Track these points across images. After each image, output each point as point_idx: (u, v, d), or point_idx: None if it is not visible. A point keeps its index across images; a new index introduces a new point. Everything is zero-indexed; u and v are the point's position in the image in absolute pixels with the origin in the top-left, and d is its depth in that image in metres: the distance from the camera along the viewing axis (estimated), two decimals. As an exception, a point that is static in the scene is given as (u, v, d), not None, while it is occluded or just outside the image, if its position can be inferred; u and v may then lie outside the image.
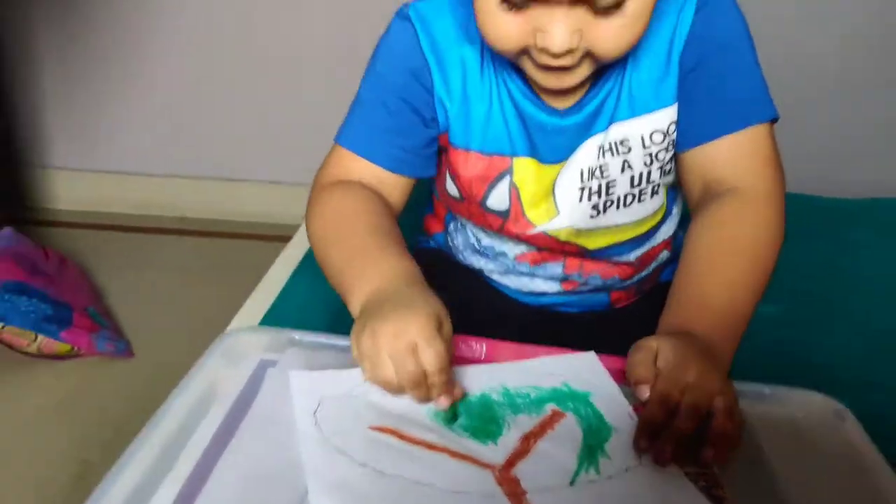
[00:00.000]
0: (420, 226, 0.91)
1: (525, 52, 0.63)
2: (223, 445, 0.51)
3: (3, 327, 1.37)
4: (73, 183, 2.10)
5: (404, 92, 0.72)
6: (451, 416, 0.55)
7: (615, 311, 0.84)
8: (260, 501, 0.47)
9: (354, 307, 0.62)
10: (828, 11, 1.74)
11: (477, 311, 0.79)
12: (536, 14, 0.59)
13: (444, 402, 0.55)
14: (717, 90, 0.70)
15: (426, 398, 0.56)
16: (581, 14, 0.59)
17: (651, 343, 0.59)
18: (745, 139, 0.69)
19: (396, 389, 0.55)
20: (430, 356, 0.54)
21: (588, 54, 0.62)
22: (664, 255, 0.82)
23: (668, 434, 0.52)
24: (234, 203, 2.07)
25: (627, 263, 0.80)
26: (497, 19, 0.61)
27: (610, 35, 0.60)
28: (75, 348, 1.43)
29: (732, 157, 0.70)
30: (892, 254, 1.26)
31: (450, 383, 0.56)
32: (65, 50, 2.00)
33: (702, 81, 0.70)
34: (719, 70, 0.70)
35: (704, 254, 0.68)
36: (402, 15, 0.73)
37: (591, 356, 0.64)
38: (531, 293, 0.82)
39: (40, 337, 1.40)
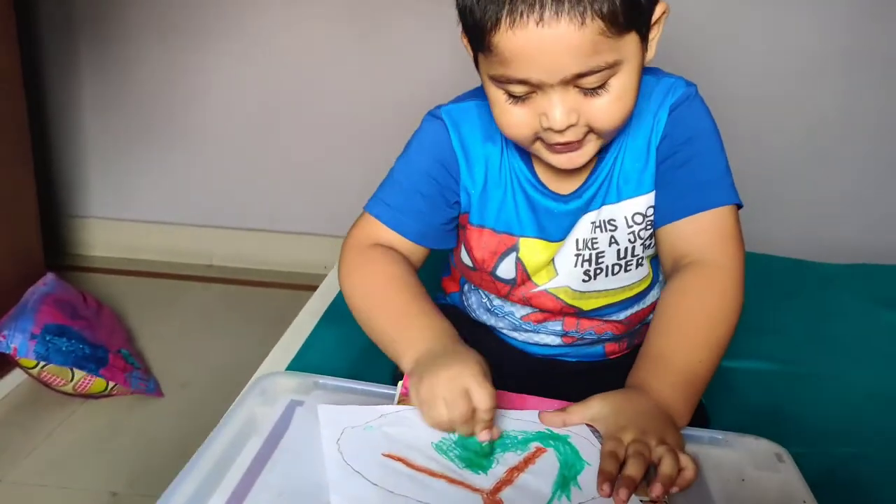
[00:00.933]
0: (438, 284, 1.03)
1: (537, 138, 0.75)
2: (261, 468, 0.63)
3: (43, 366, 1.47)
4: (109, 231, 2.22)
5: (433, 177, 0.85)
6: (488, 451, 0.67)
7: (609, 361, 0.95)
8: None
9: (407, 364, 0.74)
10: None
11: (488, 360, 0.91)
12: (538, 102, 0.72)
13: (485, 437, 0.67)
14: (685, 177, 0.82)
15: (470, 433, 0.68)
16: (574, 96, 0.71)
17: (593, 399, 0.71)
18: (708, 219, 0.81)
19: (447, 428, 0.68)
20: (482, 396, 0.66)
21: (590, 130, 0.74)
22: (651, 316, 0.93)
23: (623, 481, 0.62)
24: (261, 252, 2.17)
25: (619, 322, 0.91)
26: (507, 112, 0.74)
27: (603, 110, 0.72)
28: (110, 385, 1.54)
29: (697, 234, 0.81)
30: (873, 318, 1.34)
31: (493, 419, 0.67)
32: (104, 105, 2.12)
33: (672, 170, 0.82)
34: (687, 160, 0.82)
35: (668, 318, 0.79)
36: (434, 115, 0.87)
37: None
38: (536, 345, 0.94)
39: (77, 375, 1.50)
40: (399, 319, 0.79)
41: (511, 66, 0.69)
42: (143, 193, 2.21)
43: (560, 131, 0.72)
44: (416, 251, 0.87)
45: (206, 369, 1.71)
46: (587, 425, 0.71)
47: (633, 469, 0.63)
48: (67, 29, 2.07)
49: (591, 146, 0.76)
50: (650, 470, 0.65)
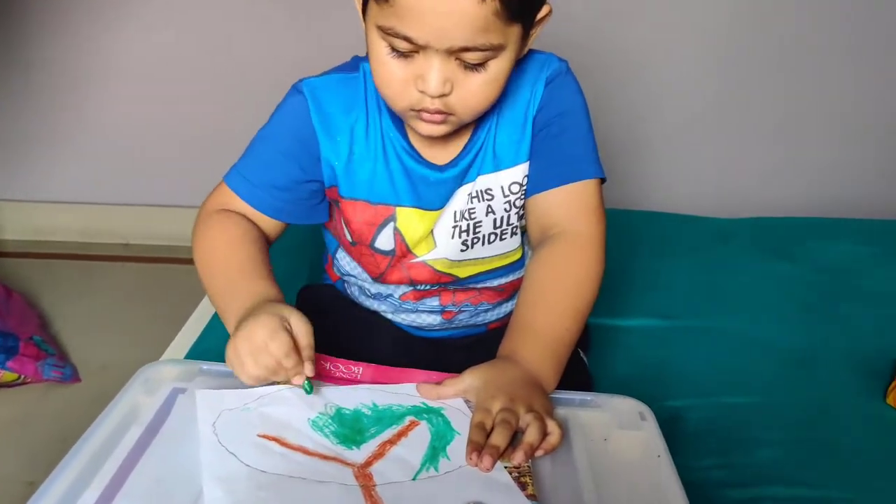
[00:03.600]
0: (323, 268, 1.05)
1: (410, 107, 0.77)
2: (139, 456, 0.65)
3: (-53, 359, 1.45)
4: (15, 213, 2.16)
5: (290, 154, 0.86)
6: (309, 388, 0.71)
7: (491, 333, 0.99)
8: (167, 496, 0.61)
9: (231, 328, 0.77)
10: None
11: (376, 341, 0.95)
12: (418, 63, 0.73)
13: (298, 380, 0.72)
14: (556, 149, 0.86)
15: (287, 380, 0.72)
16: (453, 67, 0.73)
17: (465, 373, 0.75)
18: (575, 191, 0.85)
19: (262, 379, 0.71)
20: (276, 345, 0.69)
21: (451, 114, 0.76)
22: None
23: (487, 449, 0.66)
24: (178, 229, 2.13)
25: (493, 290, 0.94)
26: (386, 65, 0.75)
27: (474, 89, 0.75)
28: (22, 377, 1.52)
29: (564, 204, 0.85)
30: (765, 269, 1.41)
31: (299, 364, 0.70)
32: (4, 83, 2.04)
33: (544, 141, 0.86)
34: (559, 133, 0.86)
35: (535, 289, 0.83)
36: (297, 88, 0.87)
37: None
38: (419, 327, 0.97)
39: (-16, 367, 1.47)
40: (229, 284, 0.81)
41: (404, 22, 0.70)
42: (51, 173, 2.15)
43: (432, 97, 0.74)
44: (271, 223, 0.88)
45: (126, 351, 1.67)
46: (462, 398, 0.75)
47: (497, 437, 0.67)
48: (-41, 6, 1.98)
49: (449, 126, 0.79)
50: (518, 436, 0.69)
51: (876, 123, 1.97)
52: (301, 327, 0.72)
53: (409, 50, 0.73)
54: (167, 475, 0.63)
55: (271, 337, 0.69)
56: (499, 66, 0.74)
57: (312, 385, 0.72)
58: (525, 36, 0.76)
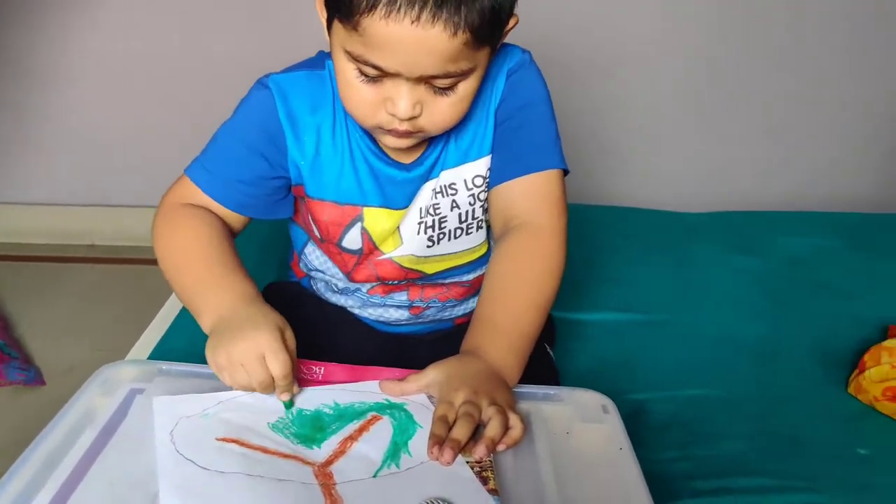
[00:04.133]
0: (287, 265, 1.04)
1: (378, 125, 0.77)
2: (94, 459, 0.63)
3: None
4: (-22, 216, 2.11)
5: (258, 149, 0.84)
6: (290, 404, 0.71)
7: (456, 328, 0.98)
8: (121, 501, 0.59)
9: (205, 325, 0.75)
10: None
11: (342, 338, 0.94)
12: (386, 87, 0.73)
13: (285, 397, 0.71)
14: (518, 141, 0.85)
15: (271, 394, 0.71)
16: (422, 91, 0.73)
17: (429, 368, 0.74)
18: (537, 182, 0.85)
19: (250, 389, 0.70)
20: (278, 366, 0.69)
21: (420, 130, 0.76)
22: None
23: (448, 443, 0.65)
24: (144, 229, 2.11)
25: (460, 285, 0.94)
26: (354, 89, 0.74)
27: (443, 110, 0.75)
28: (-17, 380, 1.50)
29: (525, 195, 0.85)
30: (729, 263, 1.42)
31: (291, 383, 0.71)
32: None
33: (506, 133, 0.86)
34: (521, 125, 0.85)
35: (497, 283, 0.83)
36: (263, 83, 0.85)
37: None
38: (386, 322, 0.96)
39: (-55, 373, 1.45)
40: (199, 280, 0.78)
41: (373, 52, 0.69)
42: (14, 175, 2.11)
43: (401, 120, 0.74)
44: (234, 218, 0.86)
45: (92, 353, 1.67)
46: (426, 394, 0.74)
47: (458, 431, 0.66)
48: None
49: (416, 140, 0.79)
50: (480, 430, 0.69)
51: (839, 119, 2.00)
52: (294, 344, 0.72)
53: (378, 75, 0.72)
54: (121, 479, 0.61)
55: (273, 355, 0.68)
56: (468, 87, 0.75)
57: (292, 402, 0.72)
58: (494, 50, 0.76)
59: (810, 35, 1.91)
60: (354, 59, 0.71)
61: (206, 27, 1.93)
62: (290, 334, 0.72)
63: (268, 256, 1.22)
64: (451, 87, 0.73)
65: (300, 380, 0.75)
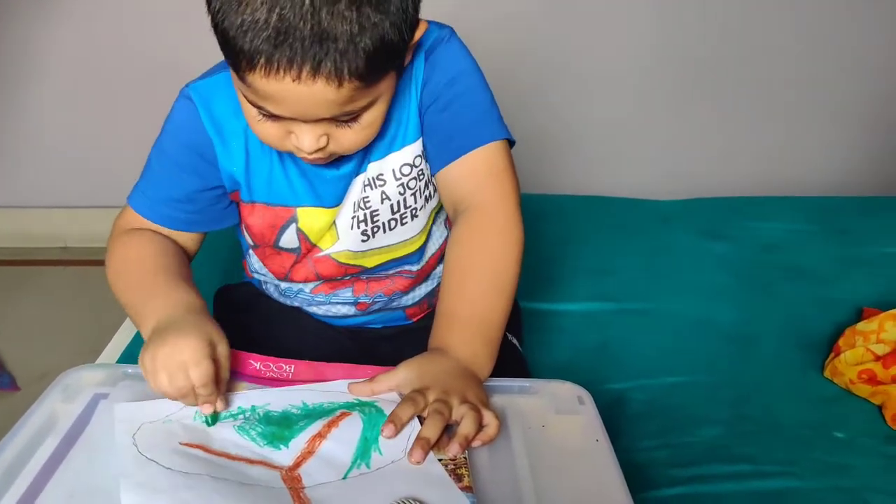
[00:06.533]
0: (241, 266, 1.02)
1: (289, 152, 0.75)
2: (55, 468, 0.62)
3: None
4: (-53, 221, 2.07)
5: (186, 165, 0.82)
6: (211, 421, 0.68)
7: (415, 325, 0.97)
8: (83, 509, 0.58)
9: (145, 335, 0.73)
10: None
11: (298, 336, 0.92)
12: (289, 123, 0.71)
13: (207, 410, 0.68)
14: (450, 120, 0.81)
15: (193, 404, 0.68)
16: (325, 125, 0.71)
17: (398, 367, 0.73)
18: (478, 158, 0.81)
19: (171, 398, 0.68)
20: (197, 374, 0.66)
21: (334, 152, 0.75)
22: (440, 268, 0.94)
23: (418, 442, 0.64)
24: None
25: (405, 276, 0.92)
26: (259, 126, 0.73)
27: (351, 138, 0.73)
28: (-47, 388, 1.47)
29: (468, 175, 0.81)
30: (704, 249, 1.42)
31: (213, 395, 0.67)
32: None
33: (436, 115, 0.82)
34: (450, 103, 0.81)
35: (453, 271, 0.80)
36: (184, 94, 0.82)
37: None
38: (336, 317, 0.95)
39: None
40: (141, 292, 0.77)
41: (266, 103, 0.68)
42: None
43: (308, 153, 0.73)
44: (185, 237, 0.85)
45: (66, 357, 1.63)
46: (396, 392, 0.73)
47: (428, 430, 0.65)
48: None
49: (332, 158, 0.77)
50: (452, 428, 0.67)
51: (811, 102, 2.01)
52: (226, 359, 0.69)
53: (277, 116, 0.70)
54: (84, 488, 0.60)
55: (195, 363, 0.66)
56: (374, 115, 0.72)
57: (217, 417, 0.69)
58: (400, 72, 0.74)
59: (773, 21, 1.91)
60: (250, 102, 0.70)
61: (175, 24, 1.90)
62: (222, 347, 0.69)
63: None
64: (354, 119, 0.72)
65: (270, 379, 0.73)
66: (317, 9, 0.61)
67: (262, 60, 0.63)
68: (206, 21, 0.68)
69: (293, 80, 0.64)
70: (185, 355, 0.66)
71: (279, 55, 0.62)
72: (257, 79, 0.65)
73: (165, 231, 0.84)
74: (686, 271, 1.34)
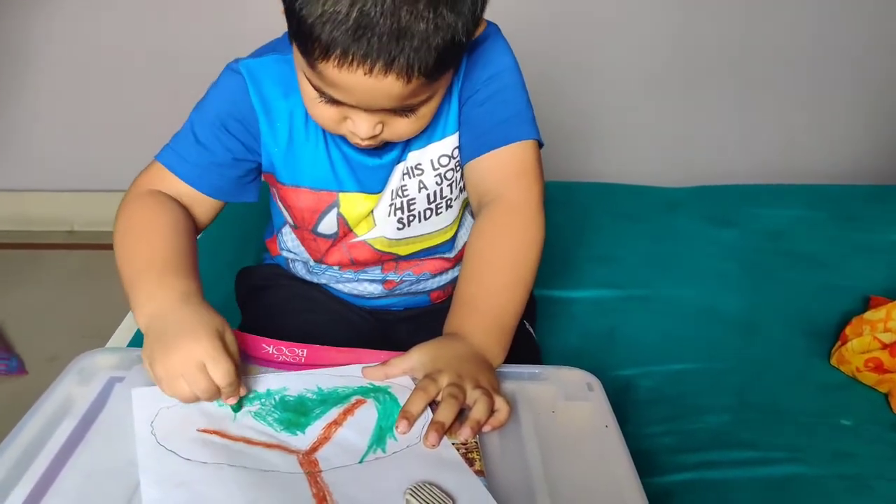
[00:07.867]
0: (263, 245, 1.03)
1: (342, 135, 0.77)
2: (73, 450, 0.62)
3: None
4: (-46, 204, 2.08)
5: (230, 131, 0.82)
6: (237, 408, 0.68)
7: (435, 306, 0.98)
8: (101, 493, 0.58)
9: (139, 321, 0.72)
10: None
11: (320, 314, 0.93)
12: (348, 109, 0.73)
13: (233, 401, 0.67)
14: (487, 115, 0.83)
15: (216, 400, 0.68)
16: (383, 113, 0.73)
17: (412, 350, 0.73)
18: (508, 154, 0.83)
19: (193, 400, 0.67)
20: (220, 374, 0.65)
21: (386, 141, 0.77)
22: None
23: (433, 425, 0.65)
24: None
25: (440, 259, 0.93)
26: (317, 107, 0.75)
27: (405, 128, 0.76)
28: (-38, 371, 1.48)
29: (497, 169, 0.83)
30: (711, 237, 1.43)
31: (238, 388, 0.67)
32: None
33: (474, 108, 0.84)
34: (488, 98, 0.83)
35: (474, 261, 0.82)
36: (233, 68, 0.83)
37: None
38: (361, 296, 0.96)
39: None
40: (140, 270, 0.75)
41: (331, 89, 0.70)
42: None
43: (363, 139, 0.75)
44: (207, 204, 0.85)
45: (75, 340, 1.64)
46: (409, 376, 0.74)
47: (442, 413, 0.66)
48: None
49: (381, 143, 0.79)
50: (465, 412, 0.68)
51: (819, 91, 2.00)
52: (233, 344, 0.69)
53: (339, 102, 0.72)
54: (100, 470, 0.60)
55: (214, 363, 0.65)
56: (429, 108, 0.75)
57: (241, 404, 0.68)
58: (458, 69, 0.76)
59: (782, 10, 1.90)
60: (313, 86, 0.72)
61: (189, 9, 1.90)
62: (230, 337, 0.69)
63: (247, 242, 1.21)
64: (412, 110, 0.74)
65: (283, 363, 0.74)
66: (397, 7, 0.63)
67: (339, 52, 0.65)
68: (218, 7, 0.68)
69: (365, 74, 0.66)
70: (203, 357, 0.65)
71: (356, 48, 0.64)
72: (329, 68, 0.67)
73: (186, 198, 0.83)
74: (693, 258, 1.34)
